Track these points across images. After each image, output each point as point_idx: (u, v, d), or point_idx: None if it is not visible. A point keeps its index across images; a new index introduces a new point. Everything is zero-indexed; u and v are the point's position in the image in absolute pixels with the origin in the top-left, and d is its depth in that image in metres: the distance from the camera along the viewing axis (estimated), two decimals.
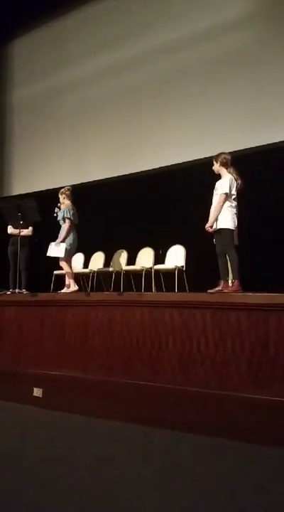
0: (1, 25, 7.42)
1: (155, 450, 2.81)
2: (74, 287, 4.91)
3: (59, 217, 4.93)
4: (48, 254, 4.79)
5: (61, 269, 5.35)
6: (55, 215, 4.97)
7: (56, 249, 4.77)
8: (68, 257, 4.93)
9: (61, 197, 5.04)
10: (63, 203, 5.00)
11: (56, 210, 4.99)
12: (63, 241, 4.80)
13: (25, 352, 4.15)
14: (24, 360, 4.13)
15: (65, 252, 4.77)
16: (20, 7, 6.91)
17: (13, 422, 3.50)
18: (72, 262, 5.27)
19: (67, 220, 4.83)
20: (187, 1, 6.03)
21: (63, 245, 4.77)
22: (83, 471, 2.43)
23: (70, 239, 4.87)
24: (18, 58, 7.98)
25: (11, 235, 5.56)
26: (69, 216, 4.84)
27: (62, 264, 4.92)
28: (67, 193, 5.03)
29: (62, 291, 4.97)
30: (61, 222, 4.93)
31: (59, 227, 4.95)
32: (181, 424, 3.12)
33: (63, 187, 5.21)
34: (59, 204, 5.03)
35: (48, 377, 3.88)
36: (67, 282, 5.00)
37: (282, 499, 2.14)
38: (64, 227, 4.83)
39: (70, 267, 5.02)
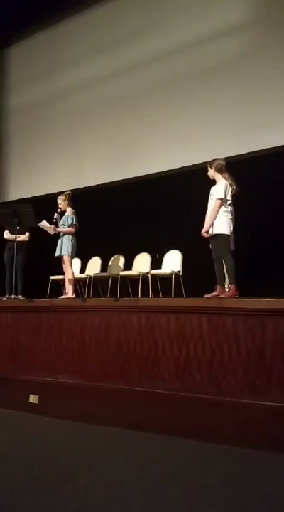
0: None
1: (152, 456, 2.79)
2: (71, 294, 4.91)
3: (63, 223, 4.93)
4: (39, 223, 4.95)
5: (59, 274, 5.36)
6: (55, 220, 4.97)
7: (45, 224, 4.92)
8: (69, 261, 4.95)
9: (63, 203, 5.03)
10: (65, 209, 5.01)
11: (55, 216, 4.99)
12: (58, 232, 4.91)
13: (21, 358, 4.13)
14: (20, 367, 4.10)
15: (44, 225, 4.91)
16: (17, 12, 6.93)
17: (8, 429, 3.47)
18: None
19: (72, 227, 4.91)
20: (185, 7, 6.07)
21: (49, 226, 4.89)
22: (80, 478, 2.41)
23: (70, 244, 4.88)
24: (15, 63, 7.99)
25: (8, 240, 5.55)
26: (75, 223, 4.92)
27: (66, 269, 4.92)
28: (68, 198, 5.05)
29: (62, 297, 4.95)
30: (62, 227, 4.94)
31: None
32: (178, 429, 3.11)
33: (61, 192, 5.23)
34: (58, 210, 5.03)
35: (44, 384, 3.86)
36: (67, 290, 4.99)
37: (281, 503, 2.13)
38: (68, 229, 4.89)
39: (72, 273, 5.03)
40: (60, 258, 5.00)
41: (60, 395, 3.74)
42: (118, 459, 2.72)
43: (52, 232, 4.94)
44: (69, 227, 4.92)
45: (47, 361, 3.94)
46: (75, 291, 5.17)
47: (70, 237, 4.92)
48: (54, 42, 7.39)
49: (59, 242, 4.96)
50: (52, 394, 3.79)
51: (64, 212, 5.04)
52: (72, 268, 5.10)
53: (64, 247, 4.90)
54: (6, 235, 5.54)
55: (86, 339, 3.78)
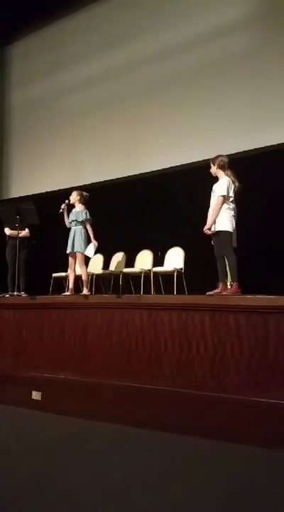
0: (1, 28, 7.44)
1: (153, 453, 2.80)
2: (87, 291, 4.92)
3: (75, 218, 4.88)
4: (89, 254, 4.89)
5: (61, 271, 5.35)
6: (61, 210, 4.93)
7: (91, 250, 4.85)
8: (83, 259, 4.92)
9: (76, 196, 4.96)
10: (74, 203, 4.97)
11: (63, 206, 4.94)
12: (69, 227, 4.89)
13: (24, 355, 4.15)
14: (23, 363, 4.12)
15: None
16: (19, 9, 6.92)
17: (11, 425, 3.48)
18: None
19: (87, 222, 4.87)
20: (186, 4, 6.05)
21: (92, 245, 4.86)
22: (82, 475, 2.42)
23: (83, 240, 4.84)
24: (16, 60, 7.99)
25: (10, 237, 5.55)
26: (89, 218, 4.88)
27: (81, 267, 4.89)
28: (83, 196, 5.00)
29: (64, 294, 4.94)
30: (74, 223, 4.88)
31: (62, 225, 4.95)
32: (180, 426, 3.12)
33: (60, 190, 5.23)
34: (66, 201, 4.97)
35: (47, 381, 3.87)
36: (82, 289, 4.97)
37: (282, 501, 2.14)
38: (88, 228, 4.86)
39: (86, 271, 5.02)
40: (67, 254, 4.91)
41: (63, 392, 3.75)
42: (120, 457, 2.72)
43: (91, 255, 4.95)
44: (83, 221, 4.86)
45: (50, 358, 3.96)
46: (76, 288, 5.14)
47: (83, 233, 4.84)
48: (55, 40, 7.37)
49: (70, 238, 4.86)
50: (54, 390, 3.80)
51: (73, 205, 4.99)
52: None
53: (77, 243, 4.81)
54: (8, 231, 5.53)
55: (89, 336, 3.79)
